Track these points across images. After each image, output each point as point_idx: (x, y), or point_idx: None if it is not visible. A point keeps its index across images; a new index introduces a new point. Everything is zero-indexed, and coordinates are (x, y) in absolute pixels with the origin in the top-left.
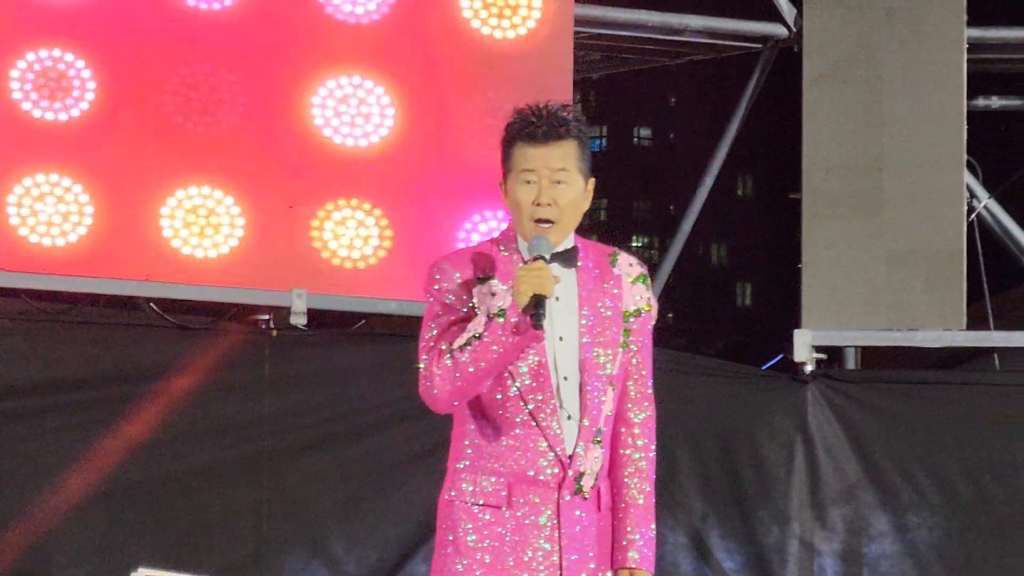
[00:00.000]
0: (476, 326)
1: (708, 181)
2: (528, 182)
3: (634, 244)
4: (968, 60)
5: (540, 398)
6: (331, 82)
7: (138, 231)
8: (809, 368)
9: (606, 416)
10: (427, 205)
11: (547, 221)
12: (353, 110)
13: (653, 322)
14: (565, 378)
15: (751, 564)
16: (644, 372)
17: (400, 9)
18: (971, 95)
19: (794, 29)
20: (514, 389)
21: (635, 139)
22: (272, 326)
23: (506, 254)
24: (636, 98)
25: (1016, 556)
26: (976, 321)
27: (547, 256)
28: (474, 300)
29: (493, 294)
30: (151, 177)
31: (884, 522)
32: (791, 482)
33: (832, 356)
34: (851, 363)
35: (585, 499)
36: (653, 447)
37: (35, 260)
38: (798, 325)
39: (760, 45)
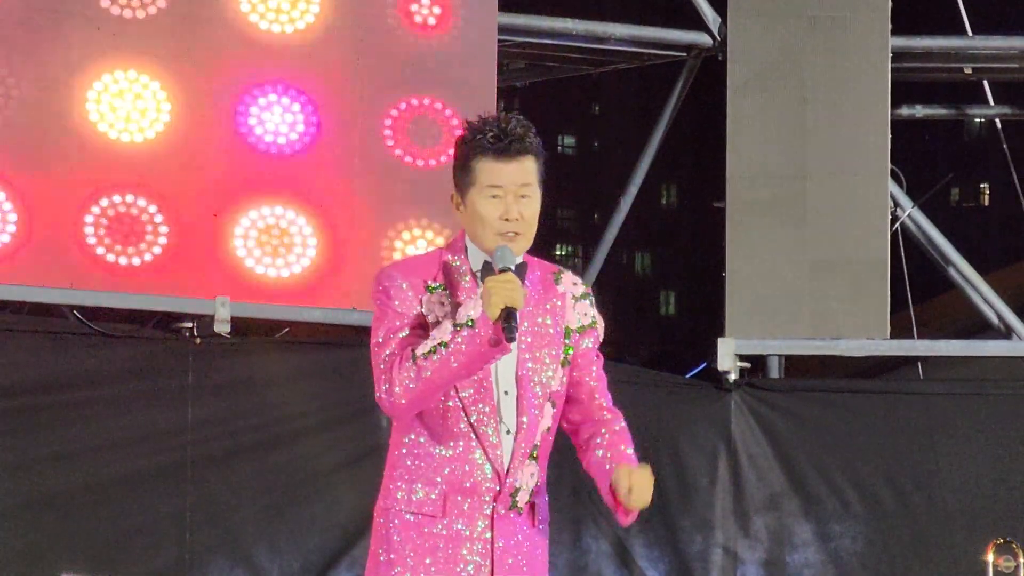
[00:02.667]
0: (441, 334)
1: (632, 190)
2: (495, 196)
3: (558, 253)
4: (892, 69)
5: (481, 410)
6: (256, 90)
7: (62, 239)
8: (733, 377)
9: (543, 432)
10: (354, 213)
11: (515, 234)
12: (277, 117)
13: (601, 337)
14: (505, 392)
15: (675, 573)
16: (605, 385)
17: (330, 15)
18: (895, 104)
19: (718, 38)
20: (456, 400)
21: (559, 147)
22: (196, 334)
23: (456, 263)
24: (560, 106)
25: (937, 564)
26: (900, 330)
27: (513, 267)
28: (422, 307)
29: (442, 303)
30: (75, 185)
31: (807, 531)
32: (714, 491)
33: (756, 365)
34: (775, 372)
35: (519, 514)
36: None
37: None
38: (722, 334)
39: (684, 54)
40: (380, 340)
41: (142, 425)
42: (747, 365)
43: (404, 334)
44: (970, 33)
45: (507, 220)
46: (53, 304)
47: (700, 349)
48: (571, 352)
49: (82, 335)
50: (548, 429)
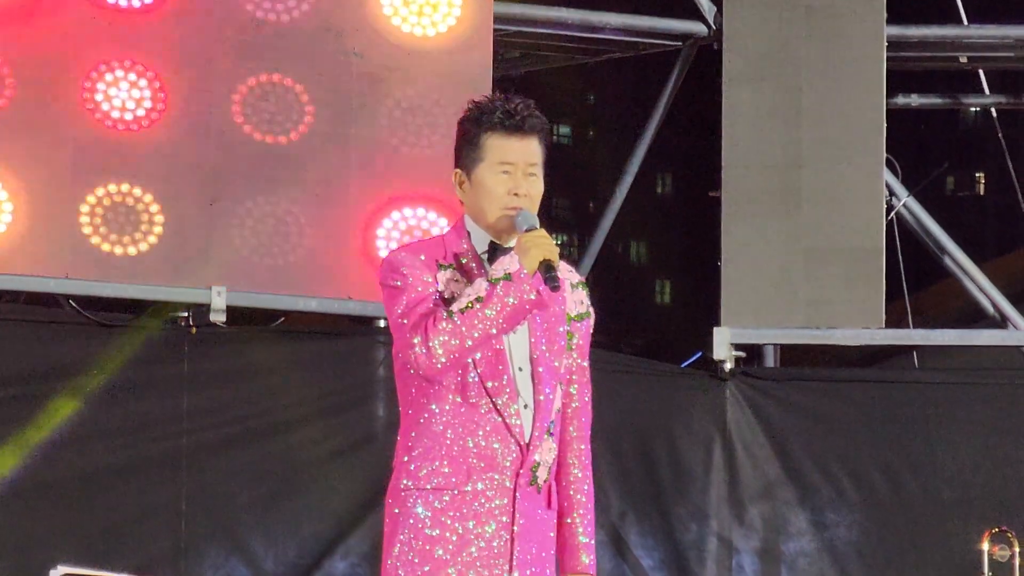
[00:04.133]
0: (476, 290)
1: (627, 179)
2: (506, 172)
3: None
4: (888, 58)
5: (499, 385)
6: (251, 79)
7: (57, 228)
8: (728, 366)
9: (556, 410)
10: (343, 201)
11: (519, 210)
12: (273, 107)
13: (591, 329)
14: (520, 368)
15: (669, 561)
16: (586, 378)
17: (321, 7)
18: (890, 93)
19: (714, 27)
20: (474, 375)
21: (554, 136)
22: (192, 323)
23: (463, 247)
24: (555, 95)
25: (932, 553)
26: (895, 319)
27: (538, 225)
28: (438, 284)
29: (457, 280)
30: (72, 174)
31: (802, 520)
32: (709, 480)
33: (751, 354)
34: (770, 361)
35: (538, 493)
36: (589, 449)
37: None
38: (717, 323)
39: (680, 43)
40: (404, 309)
41: (137, 414)
42: (742, 354)
43: (429, 302)
44: (965, 22)
45: (516, 195)
46: (48, 294)
47: (696, 338)
48: (573, 338)
49: (78, 325)
50: (559, 409)
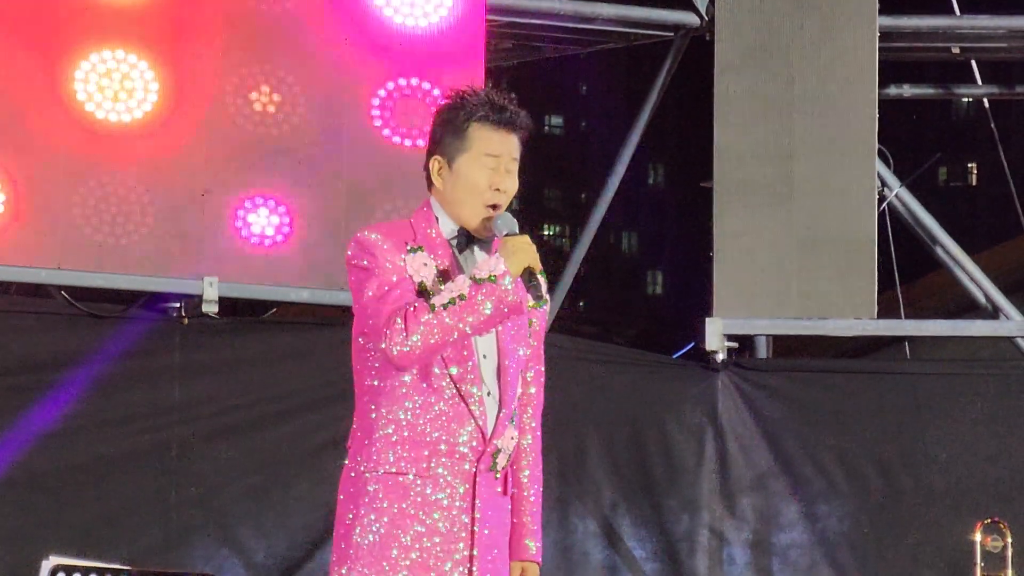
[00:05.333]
0: (459, 287)
1: (619, 169)
2: (490, 166)
3: (545, 232)
4: (880, 48)
5: (463, 372)
6: (244, 70)
7: (50, 218)
8: (720, 357)
9: (517, 397)
10: (336, 193)
11: (497, 207)
12: (265, 99)
13: (547, 317)
14: (484, 356)
15: (661, 552)
16: (542, 363)
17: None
18: (883, 83)
19: (706, 17)
20: (439, 361)
21: (546, 127)
22: (184, 314)
23: (430, 232)
24: (547, 86)
25: (924, 544)
26: (887, 310)
27: (518, 230)
28: (406, 267)
29: (426, 264)
30: (66, 164)
31: (794, 511)
32: (701, 471)
33: (743, 344)
34: (762, 352)
35: (496, 479)
36: (540, 435)
37: None
38: (709, 313)
39: (672, 33)
40: (375, 294)
41: (128, 405)
42: (735, 345)
43: (404, 289)
44: (958, 12)
45: (497, 190)
46: (40, 284)
47: (687, 329)
48: (533, 323)
49: (69, 316)
50: (519, 396)
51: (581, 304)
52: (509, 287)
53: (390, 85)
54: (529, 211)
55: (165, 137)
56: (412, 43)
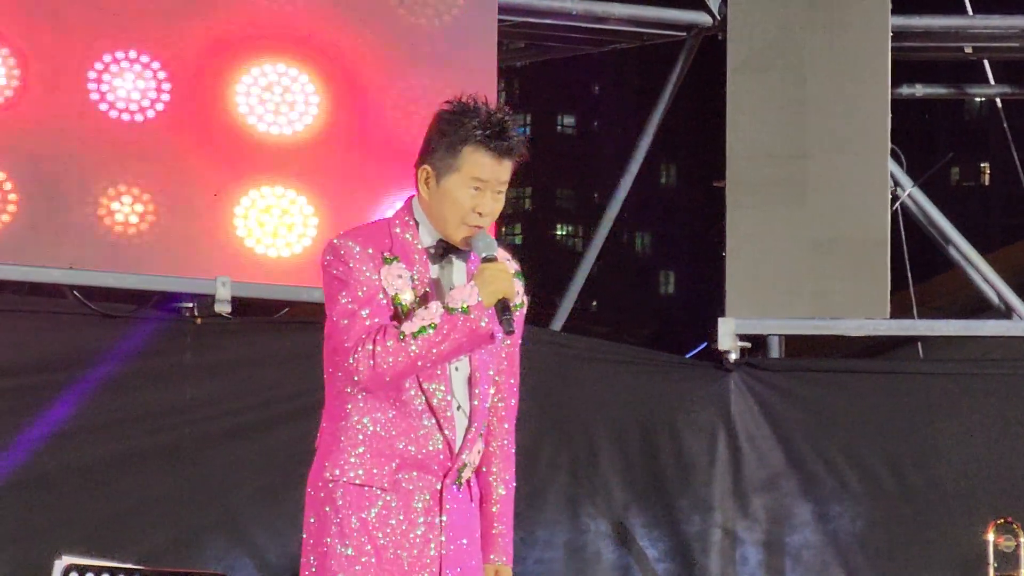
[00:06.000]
0: (431, 315)
1: (632, 169)
2: (476, 189)
3: (557, 232)
4: (892, 48)
5: (435, 387)
6: (255, 70)
7: (63, 218)
8: (733, 356)
9: (487, 409)
10: (352, 192)
11: (477, 227)
12: (278, 98)
13: (522, 320)
14: (456, 368)
15: (674, 553)
16: (515, 363)
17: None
18: (895, 83)
19: (718, 17)
20: (413, 376)
21: (559, 127)
22: (196, 314)
23: (408, 237)
24: (560, 86)
25: (937, 545)
26: (900, 310)
27: (496, 256)
28: (380, 278)
29: (400, 276)
30: (78, 166)
31: (806, 511)
32: (714, 471)
33: (756, 344)
34: (775, 352)
35: (459, 488)
36: (513, 435)
37: None
38: (722, 313)
39: (684, 33)
40: (347, 308)
41: (139, 405)
42: (747, 345)
43: (372, 305)
44: (970, 12)
45: (480, 214)
46: (53, 284)
47: (700, 329)
48: (507, 341)
49: (82, 315)
50: (489, 408)
51: (593, 304)
52: (481, 319)
53: (400, 86)
54: (542, 211)
55: (175, 136)
56: (426, 42)
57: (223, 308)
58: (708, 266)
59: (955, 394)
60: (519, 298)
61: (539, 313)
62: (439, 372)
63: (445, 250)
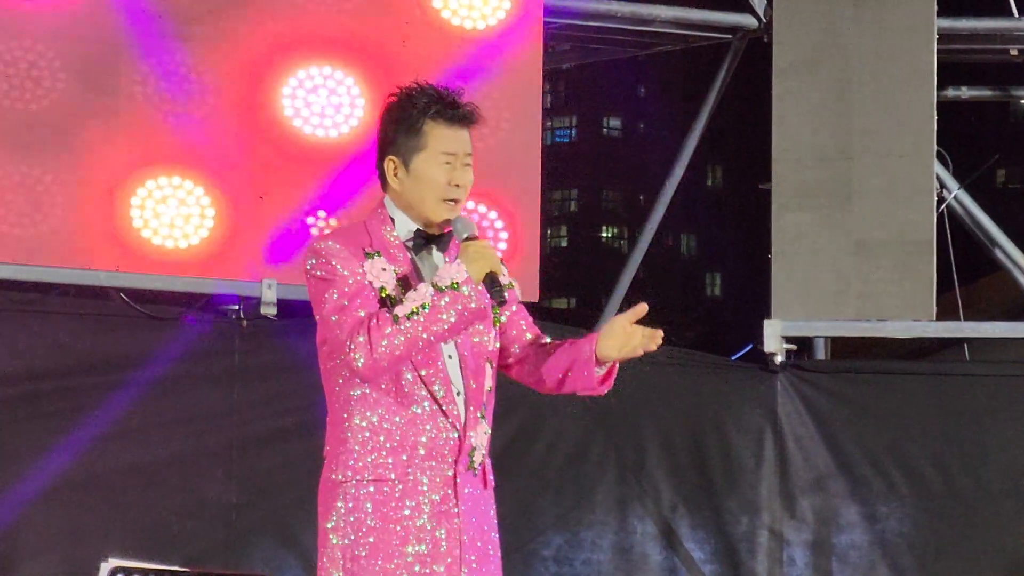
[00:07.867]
0: (421, 296)
1: (678, 171)
2: (447, 163)
3: (603, 235)
4: (938, 50)
5: (432, 374)
6: (301, 72)
7: (108, 221)
8: (779, 358)
9: (487, 391)
10: None
11: (456, 201)
12: (323, 100)
13: (520, 297)
14: (449, 356)
15: (721, 554)
16: (530, 319)
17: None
18: (941, 85)
19: (764, 19)
20: (408, 365)
21: (604, 129)
22: (242, 316)
23: (386, 233)
24: (606, 88)
25: (984, 546)
26: (946, 312)
27: (476, 232)
28: (365, 273)
29: (384, 269)
30: (122, 167)
31: (854, 512)
32: (760, 472)
33: (802, 346)
34: (821, 353)
35: (475, 475)
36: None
37: (5, 250)
38: (768, 315)
39: (730, 36)
40: (336, 305)
41: (188, 407)
42: (793, 347)
43: (365, 299)
44: (1016, 14)
45: (456, 186)
46: (99, 287)
47: (746, 331)
48: (497, 311)
49: (129, 318)
50: (491, 389)
51: None
52: (472, 294)
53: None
54: (588, 213)
55: (222, 139)
56: (472, 45)
57: (269, 311)
58: (754, 268)
59: (1002, 396)
60: (506, 278)
61: (585, 315)
62: (433, 360)
63: (425, 240)
